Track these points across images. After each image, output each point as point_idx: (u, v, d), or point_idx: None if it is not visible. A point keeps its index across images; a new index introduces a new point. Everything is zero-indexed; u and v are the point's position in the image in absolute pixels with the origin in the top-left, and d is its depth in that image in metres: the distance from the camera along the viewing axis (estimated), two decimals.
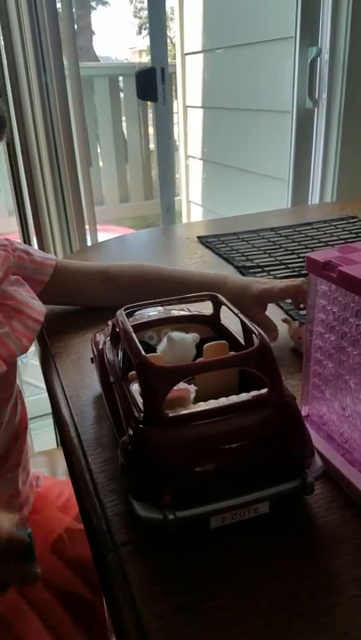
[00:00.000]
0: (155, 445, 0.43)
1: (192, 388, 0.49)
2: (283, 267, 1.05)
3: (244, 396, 0.46)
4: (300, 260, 1.08)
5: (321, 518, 0.46)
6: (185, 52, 2.46)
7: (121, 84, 3.03)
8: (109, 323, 0.63)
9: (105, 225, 2.88)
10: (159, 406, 0.43)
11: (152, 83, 1.67)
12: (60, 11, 1.41)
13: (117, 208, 3.55)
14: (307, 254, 0.50)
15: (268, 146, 1.98)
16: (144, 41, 8.77)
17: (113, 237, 1.41)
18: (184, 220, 2.81)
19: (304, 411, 0.56)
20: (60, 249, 1.60)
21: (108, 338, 0.61)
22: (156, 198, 2.48)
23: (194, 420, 0.44)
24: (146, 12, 1.67)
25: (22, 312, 0.69)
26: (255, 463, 0.43)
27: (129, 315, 0.56)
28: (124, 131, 3.34)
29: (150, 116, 2.87)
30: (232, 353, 0.51)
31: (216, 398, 0.47)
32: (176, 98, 2.56)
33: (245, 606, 0.38)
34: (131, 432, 0.44)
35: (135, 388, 0.49)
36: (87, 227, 1.67)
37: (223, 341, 0.53)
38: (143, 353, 0.45)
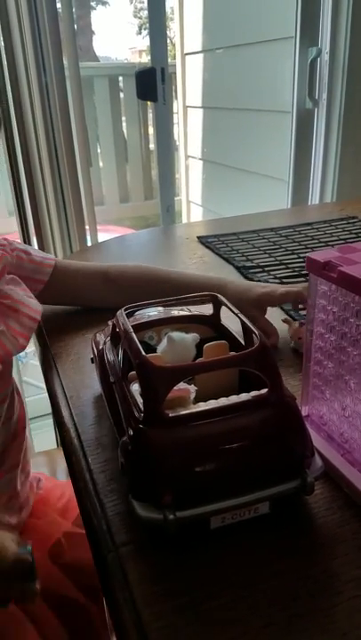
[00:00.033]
0: (155, 445, 0.43)
1: (192, 388, 0.49)
2: (283, 267, 1.05)
3: (244, 397, 0.46)
4: (301, 260, 1.08)
5: (321, 518, 0.46)
6: (185, 51, 2.46)
7: (121, 84, 3.03)
8: (109, 323, 0.63)
9: (105, 225, 2.88)
10: (159, 406, 0.43)
11: (152, 83, 1.67)
12: (59, 11, 1.41)
13: (117, 208, 3.55)
14: (307, 254, 0.50)
15: (268, 146, 1.98)
16: (144, 41, 8.78)
17: (113, 237, 1.41)
18: (184, 220, 2.81)
19: (304, 411, 0.56)
20: (60, 249, 1.60)
21: (109, 338, 0.61)
22: (156, 198, 2.48)
23: (194, 420, 0.44)
24: (146, 12, 1.67)
25: (18, 311, 0.68)
26: (255, 463, 0.43)
27: (129, 315, 0.56)
28: (124, 131, 3.34)
29: (150, 115, 2.87)
30: (232, 353, 0.51)
31: (216, 398, 0.47)
32: (176, 98, 2.56)
33: (245, 606, 0.38)
34: (131, 432, 0.44)
35: (135, 388, 0.49)
36: (87, 227, 1.67)
37: (223, 341, 0.53)
38: (143, 353, 0.45)
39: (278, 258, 1.10)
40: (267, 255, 1.12)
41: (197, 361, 0.53)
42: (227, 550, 0.43)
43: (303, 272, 1.00)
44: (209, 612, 0.38)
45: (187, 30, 2.42)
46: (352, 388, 0.47)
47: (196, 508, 0.41)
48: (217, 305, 0.59)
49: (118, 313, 0.54)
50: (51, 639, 0.74)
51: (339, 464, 0.49)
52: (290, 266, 1.05)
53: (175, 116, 2.54)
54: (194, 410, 0.45)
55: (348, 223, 1.31)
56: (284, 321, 0.76)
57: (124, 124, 3.28)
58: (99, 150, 3.23)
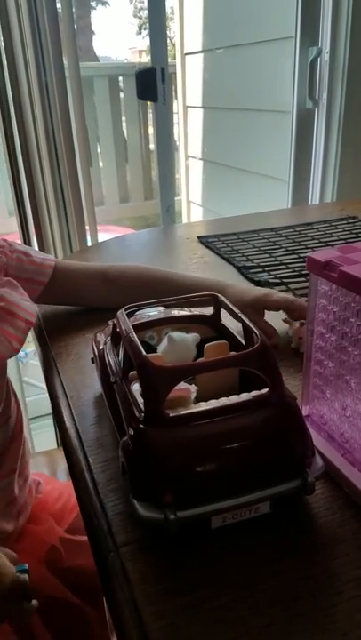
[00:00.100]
0: (155, 445, 0.43)
1: (193, 387, 0.49)
2: (283, 267, 1.05)
3: (244, 396, 0.46)
4: (301, 259, 1.08)
5: (321, 518, 0.46)
6: (185, 52, 2.45)
7: (121, 84, 3.03)
8: (110, 323, 0.63)
9: (105, 225, 2.88)
10: (160, 406, 0.43)
11: (152, 83, 1.67)
12: (59, 11, 1.42)
13: (117, 208, 3.55)
14: (307, 254, 0.50)
15: (268, 146, 1.98)
16: (144, 41, 8.77)
17: (113, 237, 1.41)
18: (184, 221, 2.81)
19: (305, 410, 0.56)
20: (60, 249, 1.60)
21: (109, 338, 0.61)
22: (156, 198, 2.48)
23: (195, 419, 0.44)
24: (146, 12, 1.67)
25: (13, 313, 0.67)
26: (256, 463, 0.43)
27: (129, 315, 0.56)
28: (124, 131, 3.34)
29: (150, 116, 2.87)
30: (233, 353, 0.51)
31: (217, 398, 0.47)
32: (176, 98, 2.56)
33: (246, 606, 0.38)
34: (131, 432, 0.44)
35: (136, 387, 0.49)
36: (87, 227, 1.67)
37: (224, 341, 0.53)
38: (144, 353, 0.45)
39: (279, 258, 1.10)
40: (267, 255, 1.12)
41: (198, 361, 0.53)
42: (227, 550, 0.43)
43: (303, 272, 1.00)
44: (210, 611, 0.38)
45: (187, 30, 2.42)
46: (353, 387, 0.47)
47: (196, 507, 0.41)
48: (217, 305, 0.59)
49: (119, 313, 0.54)
50: None
51: (339, 464, 0.49)
52: (290, 266, 1.05)
53: (175, 116, 2.54)
54: (194, 410, 0.45)
55: (349, 223, 1.31)
56: (285, 321, 0.76)
57: (124, 124, 3.28)
58: (99, 150, 3.23)
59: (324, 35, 1.67)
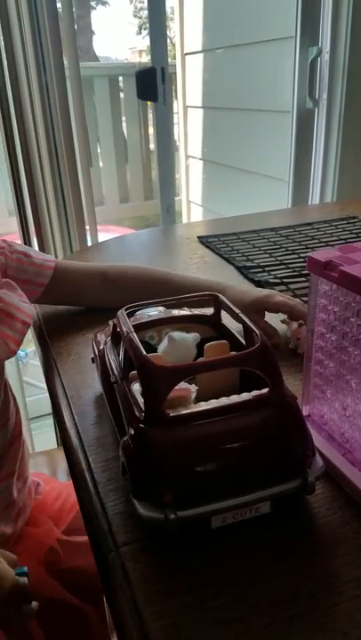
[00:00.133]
0: (156, 445, 0.43)
1: (193, 387, 0.49)
2: (283, 267, 1.05)
3: (245, 396, 0.46)
4: (301, 259, 1.08)
5: (322, 518, 0.46)
6: (185, 51, 2.45)
7: (121, 84, 3.03)
8: (110, 322, 0.63)
9: (105, 225, 2.88)
10: (160, 406, 0.43)
11: (152, 83, 1.67)
12: (60, 10, 1.42)
13: (117, 208, 3.55)
14: (307, 254, 0.50)
15: (268, 146, 1.98)
16: (144, 41, 8.77)
17: (113, 237, 1.41)
18: (184, 221, 2.81)
19: (305, 410, 0.56)
20: (60, 249, 1.60)
21: (109, 338, 0.61)
22: (156, 198, 2.48)
23: (195, 419, 0.44)
24: (146, 12, 1.67)
25: (10, 315, 0.67)
26: (256, 463, 0.43)
27: (130, 315, 0.56)
28: (124, 131, 3.35)
29: (150, 116, 2.87)
30: (233, 353, 0.51)
31: (217, 398, 0.47)
32: (176, 98, 2.56)
33: (246, 606, 0.38)
34: (132, 432, 0.44)
35: (136, 387, 0.49)
36: (87, 227, 1.67)
37: (224, 341, 0.53)
38: (144, 353, 0.45)
39: (279, 258, 1.10)
40: (267, 255, 1.12)
41: (198, 360, 0.53)
42: (228, 550, 0.43)
43: (304, 272, 1.00)
44: (210, 611, 0.38)
45: (187, 30, 2.42)
46: (353, 387, 0.47)
47: (197, 507, 0.41)
48: (218, 305, 0.59)
49: (119, 313, 0.54)
50: None
51: (340, 464, 0.49)
52: (290, 266, 1.05)
53: (175, 115, 2.54)
54: (195, 409, 0.45)
55: (349, 223, 1.31)
56: (283, 321, 0.76)
57: (124, 124, 3.28)
58: (99, 150, 3.23)
59: (325, 34, 1.67)
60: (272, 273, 1.02)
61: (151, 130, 2.85)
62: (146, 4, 1.61)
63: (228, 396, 0.47)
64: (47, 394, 0.70)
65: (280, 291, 0.86)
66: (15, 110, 1.44)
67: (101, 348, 0.61)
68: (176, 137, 2.63)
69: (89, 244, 1.68)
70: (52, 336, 0.82)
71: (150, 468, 0.42)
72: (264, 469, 0.43)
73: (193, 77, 2.44)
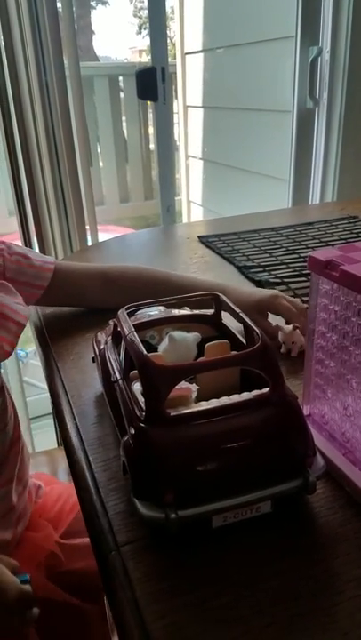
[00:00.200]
0: (156, 444, 0.43)
1: (194, 387, 0.49)
2: (284, 266, 1.05)
3: (245, 396, 0.46)
4: (301, 259, 1.08)
5: (323, 517, 0.46)
6: (185, 51, 2.45)
7: (121, 84, 3.03)
8: (111, 322, 0.63)
9: (105, 225, 2.87)
10: (161, 405, 0.43)
11: (152, 82, 1.67)
12: (60, 10, 1.42)
13: (117, 208, 3.55)
14: (308, 254, 0.50)
15: (268, 145, 1.98)
16: (144, 41, 8.78)
17: (113, 237, 1.41)
18: (184, 220, 2.81)
19: (306, 410, 0.56)
20: (60, 249, 1.60)
21: (110, 337, 0.61)
22: (156, 198, 2.48)
23: (195, 419, 0.44)
24: (146, 12, 1.67)
25: (5, 316, 0.66)
26: (257, 462, 0.43)
27: (130, 314, 0.56)
28: (124, 131, 3.35)
29: (150, 115, 2.87)
30: (234, 352, 0.51)
31: (218, 397, 0.47)
32: (176, 98, 2.56)
33: (247, 605, 0.38)
34: (132, 431, 0.44)
35: (137, 387, 0.49)
36: (87, 227, 1.67)
37: (225, 341, 0.53)
38: (145, 352, 0.45)
39: (279, 257, 1.10)
40: (268, 255, 1.12)
41: (199, 360, 0.53)
42: (228, 549, 0.43)
43: (304, 271, 1.00)
44: (211, 610, 0.38)
45: (187, 30, 2.41)
46: (354, 387, 0.47)
47: (197, 506, 0.41)
48: (218, 304, 0.59)
49: (120, 312, 0.54)
50: None
51: (340, 463, 0.49)
52: (291, 265, 1.05)
53: (175, 115, 2.54)
54: (195, 409, 0.45)
55: (349, 223, 1.31)
56: (276, 326, 0.75)
57: (124, 124, 3.28)
58: (99, 150, 3.23)
59: (325, 34, 1.67)
60: (273, 272, 1.02)
61: (151, 130, 2.85)
62: (146, 4, 1.61)
63: (228, 395, 0.47)
64: (47, 393, 0.70)
65: (281, 290, 0.86)
66: (15, 110, 1.44)
67: (102, 347, 0.61)
68: (176, 137, 2.63)
69: (89, 243, 1.68)
70: (52, 336, 0.82)
71: (151, 468, 0.42)
72: (265, 469, 0.43)
73: (193, 77, 2.44)
